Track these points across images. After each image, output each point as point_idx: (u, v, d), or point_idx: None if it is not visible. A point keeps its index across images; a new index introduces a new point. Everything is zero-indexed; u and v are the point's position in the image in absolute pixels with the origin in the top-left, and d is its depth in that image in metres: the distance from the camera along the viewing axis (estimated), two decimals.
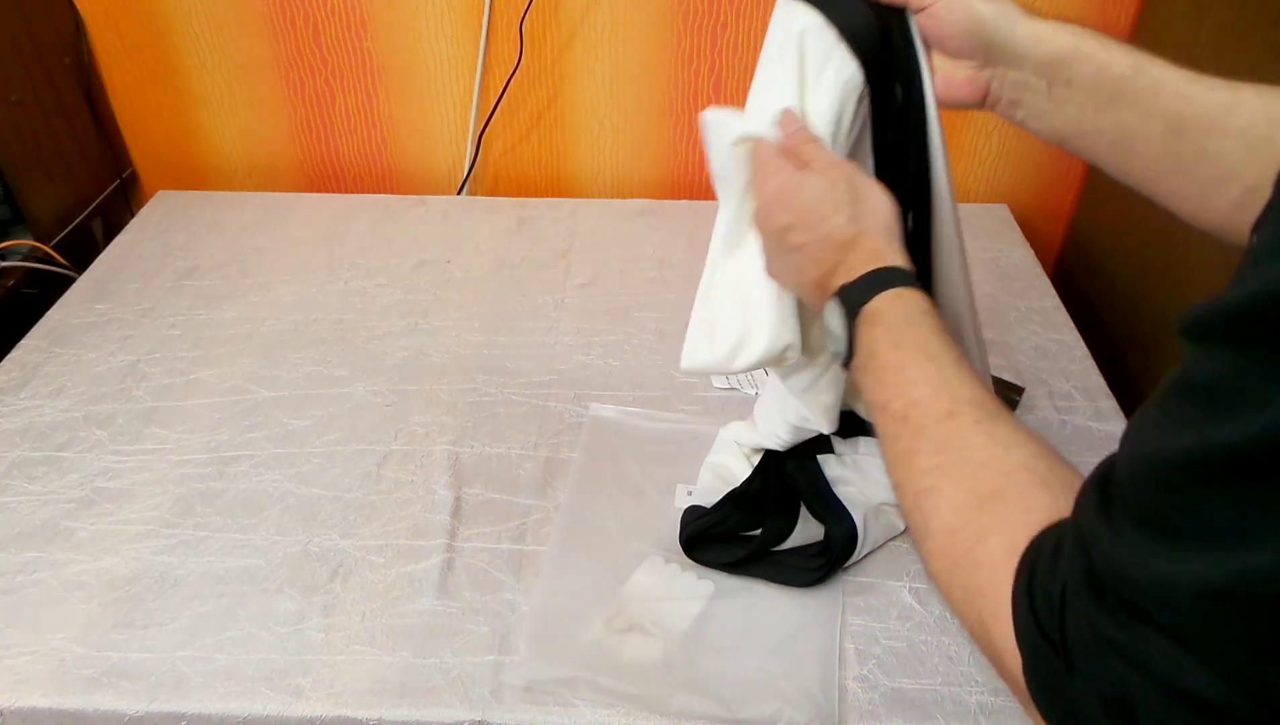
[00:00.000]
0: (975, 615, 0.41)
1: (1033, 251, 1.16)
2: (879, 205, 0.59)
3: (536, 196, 1.28)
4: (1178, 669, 0.30)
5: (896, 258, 0.56)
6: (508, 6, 1.17)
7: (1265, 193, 0.32)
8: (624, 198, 1.30)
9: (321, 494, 0.83)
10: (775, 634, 0.71)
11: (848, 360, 0.55)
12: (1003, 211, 1.25)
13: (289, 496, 0.82)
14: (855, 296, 0.55)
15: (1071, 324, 1.03)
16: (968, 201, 1.29)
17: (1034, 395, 0.93)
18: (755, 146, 0.63)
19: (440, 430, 0.89)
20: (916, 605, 0.73)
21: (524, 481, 0.83)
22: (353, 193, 1.33)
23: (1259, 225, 0.31)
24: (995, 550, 0.40)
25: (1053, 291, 1.09)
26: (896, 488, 0.49)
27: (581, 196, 1.31)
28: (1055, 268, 1.30)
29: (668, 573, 0.75)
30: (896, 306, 0.53)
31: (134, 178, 1.36)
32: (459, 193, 1.31)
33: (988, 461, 0.44)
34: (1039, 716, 0.38)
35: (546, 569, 0.75)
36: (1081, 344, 1.01)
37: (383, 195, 1.29)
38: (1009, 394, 0.91)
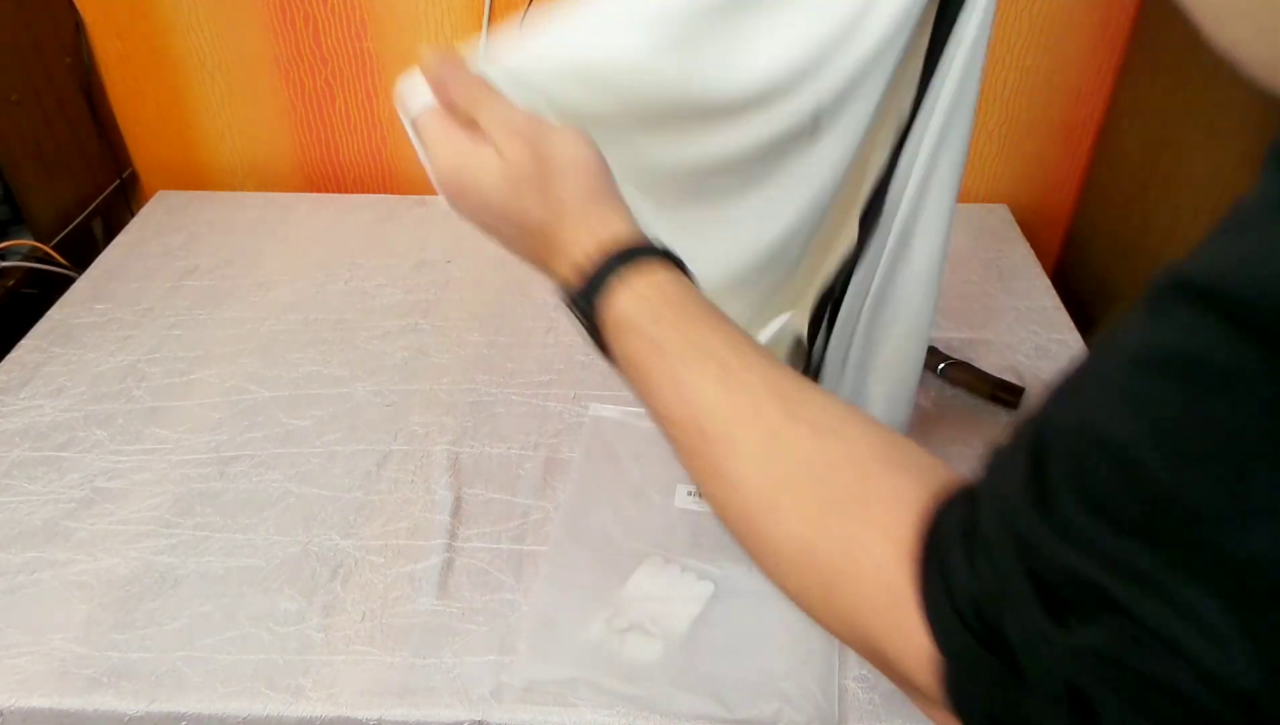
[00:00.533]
0: (861, 631, 0.36)
1: (1033, 251, 1.16)
2: (573, 164, 0.47)
3: None
4: (1147, 654, 0.27)
5: (613, 224, 0.46)
6: (508, 7, 1.17)
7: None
8: None
9: (321, 494, 0.83)
10: (775, 634, 0.71)
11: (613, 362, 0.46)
12: (1003, 211, 1.25)
13: (289, 496, 0.82)
14: (584, 304, 0.46)
15: (1071, 324, 1.03)
16: (968, 201, 1.29)
17: (1034, 395, 0.93)
18: (417, 119, 0.52)
19: (440, 430, 0.89)
20: None
21: (524, 481, 0.83)
22: (353, 193, 1.33)
23: None
24: (877, 556, 0.35)
25: (1053, 291, 1.09)
26: (714, 508, 0.42)
27: None
28: (1055, 268, 1.30)
29: (668, 573, 0.75)
30: (638, 305, 0.44)
31: (134, 178, 1.36)
32: None
33: (824, 458, 0.38)
34: (948, 712, 0.34)
35: (546, 569, 0.75)
36: (1082, 344, 1.01)
37: (383, 195, 1.29)
38: (1008, 395, 0.91)
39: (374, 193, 1.33)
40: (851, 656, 0.69)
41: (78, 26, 1.22)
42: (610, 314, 0.44)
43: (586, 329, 0.46)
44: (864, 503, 0.37)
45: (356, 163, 1.33)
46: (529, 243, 0.48)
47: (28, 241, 1.13)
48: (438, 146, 0.50)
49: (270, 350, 1.00)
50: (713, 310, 0.44)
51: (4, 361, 0.98)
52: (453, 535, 0.78)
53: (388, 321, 1.04)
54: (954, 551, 0.32)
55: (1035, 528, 0.29)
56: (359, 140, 1.31)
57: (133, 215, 1.25)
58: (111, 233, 1.24)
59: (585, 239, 0.46)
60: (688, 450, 0.42)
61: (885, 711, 0.66)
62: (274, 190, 1.34)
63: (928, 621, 0.33)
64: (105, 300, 1.08)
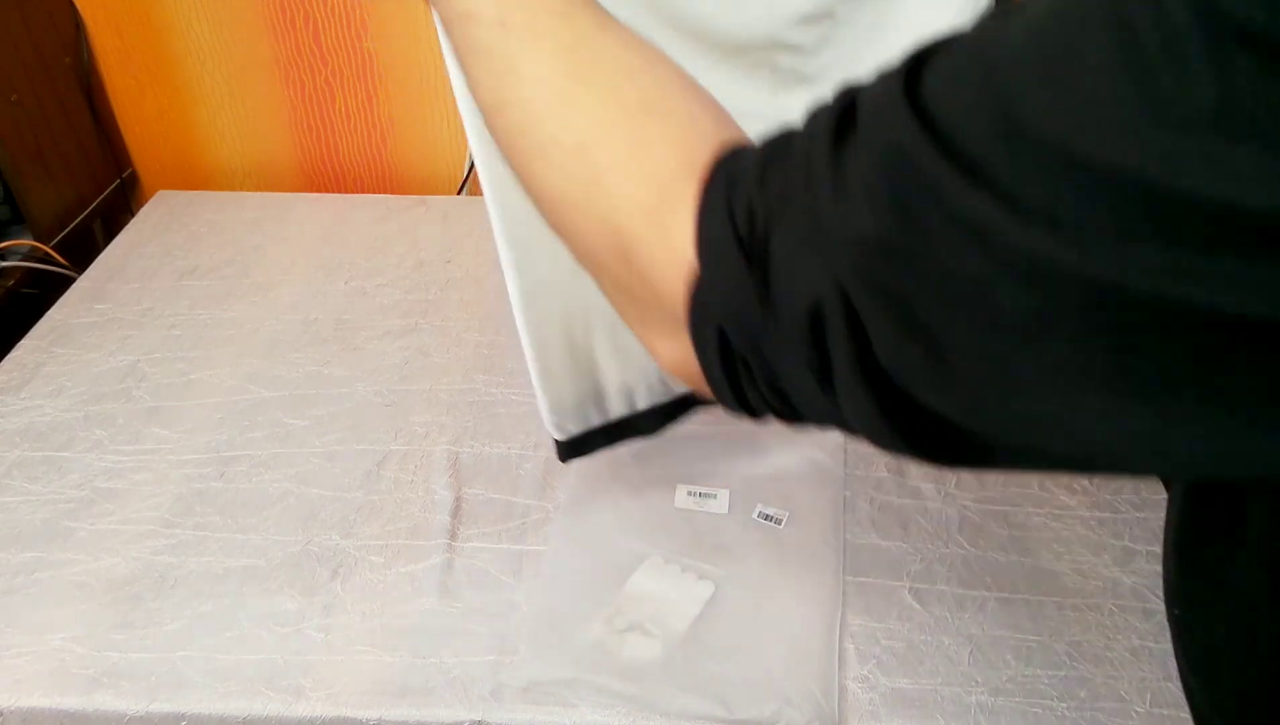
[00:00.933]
0: (613, 233, 0.36)
1: None
2: None
3: None
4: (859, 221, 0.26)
5: None
6: None
7: None
8: None
9: (321, 494, 0.83)
10: (775, 634, 0.71)
11: None
12: None
13: (289, 496, 0.82)
14: None
15: None
16: None
17: None
18: None
19: (440, 430, 0.89)
20: (916, 605, 0.73)
21: (524, 481, 0.83)
22: (353, 193, 1.33)
23: None
24: (662, 163, 0.35)
25: None
26: (496, 109, 0.40)
27: None
28: None
29: (668, 573, 0.75)
30: None
31: (134, 178, 1.36)
32: (459, 193, 1.31)
33: (632, 70, 0.38)
34: (674, 333, 0.35)
35: (546, 569, 0.75)
36: None
37: (383, 195, 1.29)
38: None
39: (374, 193, 1.33)
40: (851, 656, 0.69)
41: (78, 26, 1.22)
42: None
43: None
44: (660, 114, 0.36)
45: (356, 163, 1.33)
46: None
47: (28, 241, 1.13)
48: None
49: (270, 350, 1.00)
50: None
51: (4, 361, 0.98)
52: (453, 535, 0.78)
53: (388, 321, 1.04)
54: (744, 176, 0.32)
55: (904, 132, 0.27)
56: (359, 140, 1.31)
57: (133, 215, 1.25)
58: (111, 233, 1.24)
59: None
60: (476, 47, 0.40)
61: (885, 711, 0.66)
62: (274, 190, 1.34)
63: (696, 223, 0.33)
64: (105, 300, 1.08)
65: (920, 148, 0.26)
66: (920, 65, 0.28)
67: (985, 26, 0.27)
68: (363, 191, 1.34)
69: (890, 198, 0.27)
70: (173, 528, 0.79)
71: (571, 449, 0.78)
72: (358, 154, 1.33)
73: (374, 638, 0.71)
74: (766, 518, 0.80)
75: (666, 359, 0.37)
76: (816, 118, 0.31)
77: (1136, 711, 0.66)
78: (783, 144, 0.33)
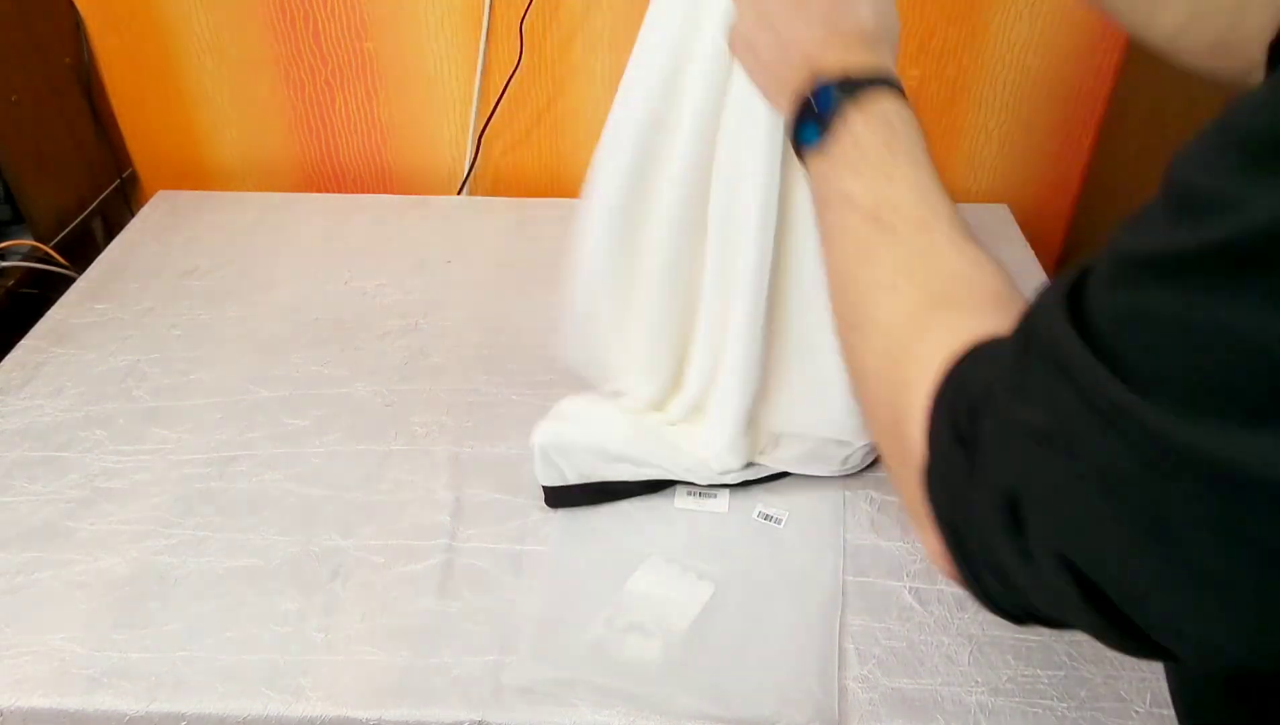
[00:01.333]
0: (891, 409, 0.40)
1: (1033, 251, 1.16)
2: (897, 24, 0.57)
3: (536, 197, 1.28)
4: (1089, 437, 0.29)
5: (889, 60, 0.55)
6: (508, 6, 1.17)
7: (1210, 15, 0.29)
8: None
9: (321, 494, 0.83)
10: (775, 634, 0.71)
11: (808, 137, 0.52)
12: (1003, 211, 1.25)
13: (289, 496, 0.82)
14: (860, 81, 0.51)
15: None
16: (968, 201, 1.29)
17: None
18: None
19: (440, 430, 0.89)
20: (916, 605, 0.73)
21: (524, 481, 0.83)
22: (352, 193, 1.33)
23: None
24: (936, 348, 0.39)
25: None
26: (841, 281, 0.47)
27: (581, 196, 1.31)
28: (1055, 268, 1.30)
29: (668, 573, 0.75)
30: (897, 107, 0.51)
31: (134, 178, 1.36)
32: (459, 193, 1.31)
33: (954, 274, 0.43)
34: (927, 520, 0.37)
35: (546, 569, 0.75)
36: None
37: (383, 195, 1.29)
38: None
39: (374, 193, 1.33)
40: (851, 656, 0.69)
41: (78, 26, 1.22)
42: (870, 93, 0.51)
43: (838, 97, 0.51)
44: (954, 308, 0.41)
45: (356, 163, 1.33)
46: (837, 21, 0.54)
47: (28, 241, 1.13)
48: None
49: (270, 350, 1.00)
50: (930, 153, 0.50)
51: (4, 361, 0.98)
52: (453, 535, 0.78)
53: (388, 321, 1.04)
54: (971, 361, 0.37)
55: (1060, 332, 0.30)
56: (359, 140, 1.31)
57: (133, 215, 1.25)
58: (111, 233, 1.24)
59: (881, 59, 0.53)
60: (848, 228, 0.48)
61: (885, 711, 0.66)
62: (274, 190, 1.34)
63: (928, 415, 0.37)
64: (105, 300, 1.08)
65: (1077, 354, 0.29)
66: (1085, 276, 0.31)
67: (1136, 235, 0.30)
68: (362, 191, 1.34)
69: (1048, 398, 0.30)
70: (173, 528, 0.79)
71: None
72: (357, 154, 1.33)
73: (374, 638, 0.71)
74: (766, 518, 0.80)
75: (927, 548, 0.39)
76: (1023, 316, 0.35)
77: (1136, 711, 0.66)
78: (996, 343, 0.36)
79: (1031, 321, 0.33)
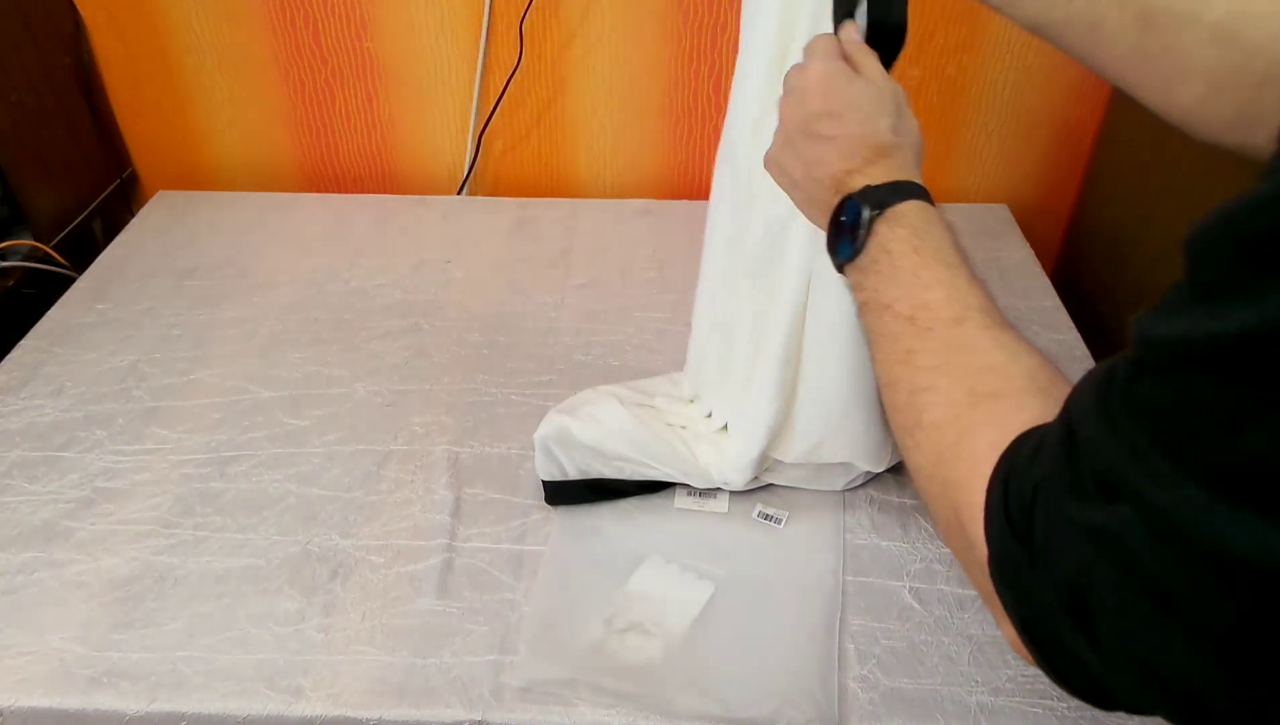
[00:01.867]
0: (950, 507, 0.41)
1: (1033, 251, 1.16)
2: (916, 130, 0.60)
3: (536, 196, 1.28)
4: (1143, 549, 0.30)
5: (915, 175, 0.58)
6: (508, 6, 1.17)
7: (1229, 90, 0.31)
8: (624, 198, 1.30)
9: (321, 494, 0.83)
10: (775, 634, 0.71)
11: (843, 252, 0.55)
12: (1003, 211, 1.25)
13: (289, 496, 0.82)
14: (883, 195, 0.54)
15: (1071, 324, 1.03)
16: (968, 201, 1.29)
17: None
18: (816, 38, 0.63)
19: (440, 430, 0.89)
20: (916, 605, 0.73)
21: (524, 481, 0.83)
22: (353, 193, 1.33)
23: None
24: (981, 443, 0.40)
25: (1053, 291, 1.09)
26: (888, 384, 0.50)
27: (581, 196, 1.31)
28: (1055, 268, 1.30)
29: (667, 573, 0.75)
30: (920, 213, 0.53)
31: (134, 178, 1.36)
32: (459, 193, 1.31)
33: (991, 365, 0.45)
34: (1001, 612, 0.38)
35: (546, 569, 0.75)
36: (1082, 344, 1.01)
37: (383, 195, 1.29)
38: None
39: (374, 193, 1.33)
40: (851, 656, 0.69)
41: (78, 26, 1.22)
42: (896, 208, 0.53)
43: (869, 215, 0.54)
44: (995, 400, 0.43)
45: (356, 163, 1.33)
46: (857, 146, 0.57)
47: (28, 241, 1.13)
48: (823, 54, 0.61)
49: (270, 350, 1.00)
50: (962, 249, 0.53)
51: (4, 361, 0.98)
52: (453, 535, 0.78)
53: (388, 321, 1.04)
54: (1021, 453, 0.38)
55: (1094, 428, 0.33)
56: (359, 140, 1.31)
57: (133, 215, 1.25)
58: (111, 233, 1.24)
59: (904, 171, 0.56)
60: (888, 332, 0.50)
61: (885, 711, 0.66)
62: (274, 190, 1.34)
63: (984, 511, 0.38)
64: (105, 300, 1.08)
65: (1107, 445, 0.31)
66: (1114, 369, 0.33)
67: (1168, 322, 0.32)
68: (363, 191, 1.34)
69: (1097, 486, 0.32)
70: (173, 528, 0.79)
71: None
72: (358, 154, 1.33)
73: (374, 638, 0.71)
74: (766, 518, 0.80)
75: (1007, 639, 0.39)
76: (1064, 408, 0.36)
77: None
78: (1039, 433, 0.38)
79: (1071, 416, 0.35)
